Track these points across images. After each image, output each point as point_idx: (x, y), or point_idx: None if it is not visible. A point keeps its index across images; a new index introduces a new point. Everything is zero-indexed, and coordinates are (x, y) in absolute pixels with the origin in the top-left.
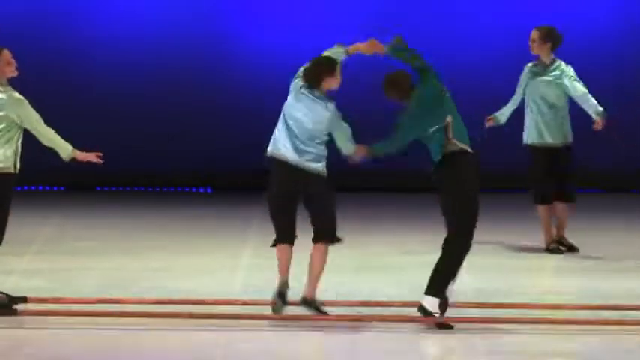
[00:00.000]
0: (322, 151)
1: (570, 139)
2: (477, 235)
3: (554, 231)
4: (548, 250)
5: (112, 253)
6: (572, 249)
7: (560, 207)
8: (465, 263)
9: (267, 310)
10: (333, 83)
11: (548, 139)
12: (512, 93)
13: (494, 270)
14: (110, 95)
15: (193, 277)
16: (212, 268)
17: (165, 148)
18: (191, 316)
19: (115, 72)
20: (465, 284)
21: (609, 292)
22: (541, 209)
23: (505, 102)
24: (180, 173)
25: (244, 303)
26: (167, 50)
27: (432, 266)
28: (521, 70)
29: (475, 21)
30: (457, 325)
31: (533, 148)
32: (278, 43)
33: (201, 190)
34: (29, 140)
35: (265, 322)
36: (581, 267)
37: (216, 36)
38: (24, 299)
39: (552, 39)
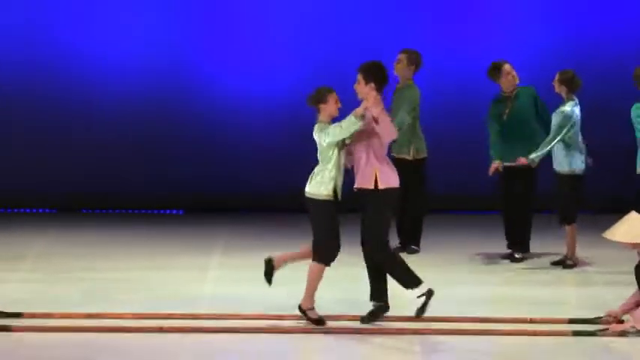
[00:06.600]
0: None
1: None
2: None
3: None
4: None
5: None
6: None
7: None
8: None
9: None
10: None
11: None
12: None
13: None
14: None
15: (166, 291)
16: (182, 281)
17: (144, 173)
18: (161, 329)
19: (95, 101)
20: None
21: None
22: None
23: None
24: (154, 196)
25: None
26: (144, 80)
27: None
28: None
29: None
30: None
31: None
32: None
33: (174, 212)
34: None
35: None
36: None
37: (194, 67)
38: (19, 315)
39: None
